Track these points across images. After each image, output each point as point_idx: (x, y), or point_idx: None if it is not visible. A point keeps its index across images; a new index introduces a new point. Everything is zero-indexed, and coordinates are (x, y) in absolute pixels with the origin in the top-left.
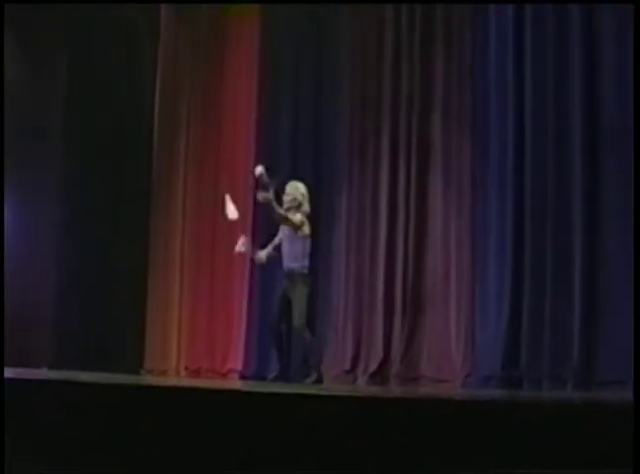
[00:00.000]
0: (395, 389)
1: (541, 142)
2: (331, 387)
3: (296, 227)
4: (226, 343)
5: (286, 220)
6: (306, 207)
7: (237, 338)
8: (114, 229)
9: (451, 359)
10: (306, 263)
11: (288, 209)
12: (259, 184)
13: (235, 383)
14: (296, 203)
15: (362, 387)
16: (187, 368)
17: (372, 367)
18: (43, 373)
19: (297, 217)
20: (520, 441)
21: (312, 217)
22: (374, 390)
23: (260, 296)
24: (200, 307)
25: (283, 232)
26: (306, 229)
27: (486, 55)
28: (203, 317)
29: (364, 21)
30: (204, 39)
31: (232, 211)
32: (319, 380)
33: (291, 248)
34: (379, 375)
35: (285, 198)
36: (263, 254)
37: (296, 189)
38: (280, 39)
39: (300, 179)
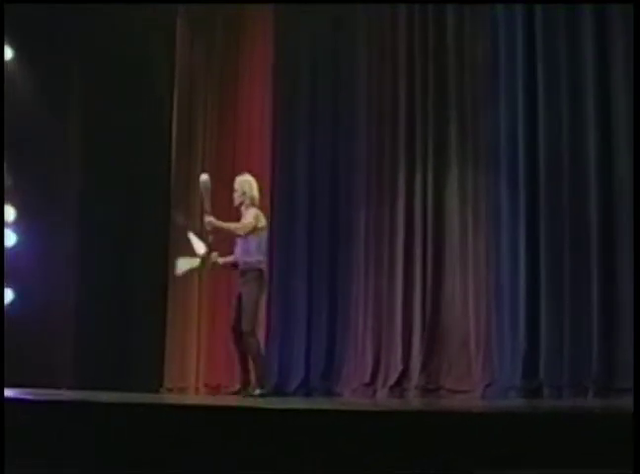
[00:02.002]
0: (415, 401)
1: (555, 157)
2: (350, 401)
3: (249, 230)
4: None
5: (236, 231)
6: (256, 199)
7: None
8: (133, 247)
9: (471, 370)
10: (262, 257)
11: (241, 204)
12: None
13: (254, 400)
14: (248, 197)
15: (382, 400)
16: (206, 385)
17: (392, 380)
18: (63, 394)
19: (246, 221)
20: (541, 451)
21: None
22: (394, 403)
23: (278, 312)
24: (218, 324)
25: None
26: (261, 222)
27: (497, 56)
28: (222, 334)
29: (381, 20)
30: (220, 42)
31: (200, 247)
32: (263, 394)
33: (245, 241)
34: (399, 388)
35: (235, 195)
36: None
37: (244, 182)
38: (294, 40)
39: (318, 186)
